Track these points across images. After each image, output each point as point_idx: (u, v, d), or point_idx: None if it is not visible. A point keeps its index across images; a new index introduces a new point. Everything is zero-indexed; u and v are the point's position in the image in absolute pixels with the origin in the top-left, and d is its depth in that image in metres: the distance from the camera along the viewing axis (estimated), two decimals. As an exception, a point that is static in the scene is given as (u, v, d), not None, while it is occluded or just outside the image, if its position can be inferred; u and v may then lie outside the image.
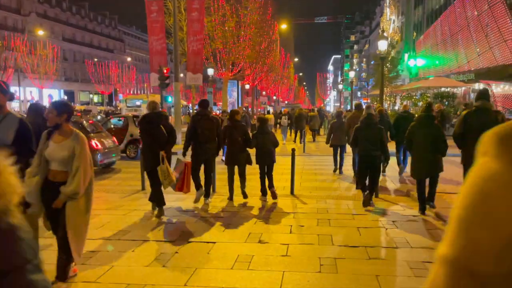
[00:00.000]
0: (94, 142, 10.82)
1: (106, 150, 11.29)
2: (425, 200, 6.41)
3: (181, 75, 29.01)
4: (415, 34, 50.11)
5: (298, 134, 19.80)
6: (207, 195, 7.34)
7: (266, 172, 7.47)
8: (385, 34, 18.57)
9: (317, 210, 6.77)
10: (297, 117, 19.74)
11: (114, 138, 12.03)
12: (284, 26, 50.30)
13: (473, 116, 5.88)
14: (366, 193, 6.91)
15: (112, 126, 15.72)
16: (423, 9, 48.21)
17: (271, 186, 7.51)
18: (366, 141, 6.85)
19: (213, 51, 28.89)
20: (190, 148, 7.27)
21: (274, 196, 7.46)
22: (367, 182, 7.07)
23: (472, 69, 31.10)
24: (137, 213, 6.70)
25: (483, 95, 6.00)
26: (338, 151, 10.74)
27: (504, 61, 26.84)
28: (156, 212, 6.53)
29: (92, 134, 11.12)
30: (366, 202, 6.81)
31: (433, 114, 6.70)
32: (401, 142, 10.25)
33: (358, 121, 8.88)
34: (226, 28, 28.46)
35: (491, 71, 28.22)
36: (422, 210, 6.38)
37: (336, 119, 10.87)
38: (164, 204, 6.56)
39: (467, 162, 5.94)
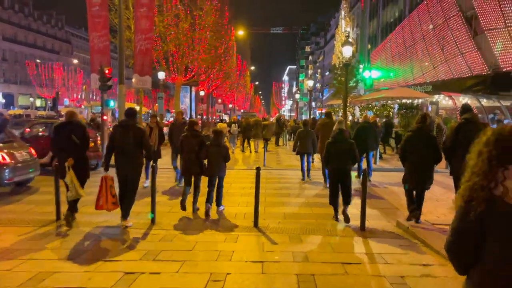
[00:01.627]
0: (0, 155, 8.41)
1: (19, 164, 8.87)
2: (415, 208, 6.44)
3: (133, 80, 26.44)
4: (369, 46, 50.39)
5: (245, 142, 19.88)
6: (125, 215, 6.36)
7: (214, 185, 7.25)
8: (350, 39, 17.37)
9: (293, 256, 4.93)
10: (245, 126, 19.78)
11: (32, 149, 9.57)
12: (241, 33, 48.74)
13: (464, 128, 6.04)
14: (342, 210, 6.75)
15: (40, 134, 13.30)
16: (378, 22, 48.57)
17: (218, 201, 7.38)
18: (337, 156, 6.84)
19: (165, 53, 26.56)
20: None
21: (207, 214, 6.96)
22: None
23: (428, 81, 31.04)
24: (35, 265, 4.55)
25: (468, 109, 6.30)
26: (305, 158, 10.86)
27: (460, 74, 26.77)
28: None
29: (-1, 145, 8.69)
30: (347, 219, 6.62)
31: (428, 125, 6.56)
32: (363, 151, 10.34)
33: (327, 128, 9.31)
34: (180, 30, 26.28)
35: (446, 83, 28.12)
36: (415, 218, 6.40)
37: (304, 127, 10.89)
38: (76, 210, 6.46)
39: (458, 172, 5.89)
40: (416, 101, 24.14)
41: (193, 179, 7.27)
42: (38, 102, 64.27)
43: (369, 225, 6.39)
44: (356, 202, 8.21)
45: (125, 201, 6.29)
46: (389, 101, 25.62)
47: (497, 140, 1.78)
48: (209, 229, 6.22)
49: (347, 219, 6.60)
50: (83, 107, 56.96)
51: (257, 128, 19.06)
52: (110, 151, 6.40)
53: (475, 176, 1.82)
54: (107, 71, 15.93)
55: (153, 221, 6.47)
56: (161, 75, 24.80)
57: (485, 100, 22.56)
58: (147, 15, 18.40)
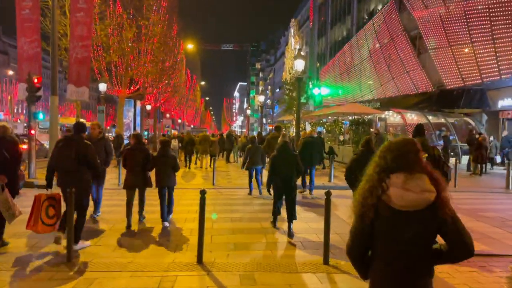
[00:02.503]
0: None
1: None
2: None
3: (68, 91, 24.35)
4: (318, 64, 51.13)
5: (187, 158, 19.30)
6: (75, 240, 5.68)
7: (164, 195, 7.35)
8: (301, 53, 16.87)
9: (245, 306, 3.87)
10: (187, 142, 19.20)
11: None
12: (190, 46, 47.63)
13: None
14: (276, 216, 7.27)
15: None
16: (326, 40, 49.50)
17: (169, 212, 7.52)
18: (282, 168, 6.98)
19: (107, 64, 24.80)
20: None
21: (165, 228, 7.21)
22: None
23: (375, 98, 31.58)
24: None
25: (420, 131, 6.19)
26: (254, 174, 10.93)
27: (406, 91, 27.37)
28: None
29: None
30: (291, 235, 6.71)
31: (373, 149, 6.56)
32: (307, 164, 10.58)
33: (276, 141, 9.47)
34: (124, 39, 24.67)
35: (393, 100, 28.68)
36: None
37: (252, 144, 11.08)
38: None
39: None
40: (365, 117, 24.20)
41: (137, 192, 7.35)
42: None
43: (331, 255, 5.47)
44: (312, 226, 7.34)
45: (75, 224, 5.61)
46: (339, 117, 25.54)
47: (382, 153, 2.02)
48: (141, 268, 5.00)
49: (291, 235, 6.68)
50: (18, 121, 52.82)
51: (204, 144, 18.01)
52: (51, 168, 5.97)
53: (367, 183, 2.02)
54: (35, 80, 14.21)
55: (69, 259, 5.15)
56: (102, 86, 23.04)
57: (431, 117, 23.00)
58: (85, 21, 16.84)
